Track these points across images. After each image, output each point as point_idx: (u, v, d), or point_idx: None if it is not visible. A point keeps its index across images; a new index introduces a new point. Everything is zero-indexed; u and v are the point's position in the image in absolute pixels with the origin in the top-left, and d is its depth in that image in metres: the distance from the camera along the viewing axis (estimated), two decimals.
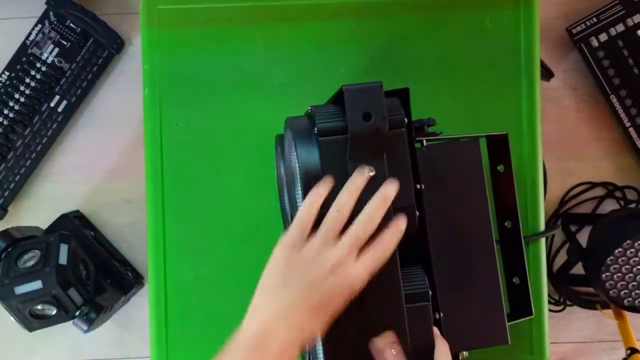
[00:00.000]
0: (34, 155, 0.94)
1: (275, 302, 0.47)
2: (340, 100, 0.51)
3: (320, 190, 0.49)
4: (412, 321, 0.51)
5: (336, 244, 0.47)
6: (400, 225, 0.49)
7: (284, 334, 0.46)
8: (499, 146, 0.62)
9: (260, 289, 0.49)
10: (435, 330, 0.53)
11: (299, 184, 0.53)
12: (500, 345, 0.57)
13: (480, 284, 0.57)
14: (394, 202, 0.50)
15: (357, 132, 0.49)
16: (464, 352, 0.56)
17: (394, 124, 0.51)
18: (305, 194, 0.50)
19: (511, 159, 0.62)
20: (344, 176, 0.50)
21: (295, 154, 0.53)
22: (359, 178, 0.49)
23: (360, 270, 0.47)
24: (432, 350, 0.52)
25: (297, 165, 0.53)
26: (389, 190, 0.49)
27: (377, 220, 0.48)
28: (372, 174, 0.49)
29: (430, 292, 0.53)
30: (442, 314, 0.53)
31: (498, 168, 0.62)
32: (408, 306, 0.51)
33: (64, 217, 0.93)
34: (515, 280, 0.63)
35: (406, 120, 0.52)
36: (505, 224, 0.63)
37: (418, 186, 0.53)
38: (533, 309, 0.62)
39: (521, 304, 0.62)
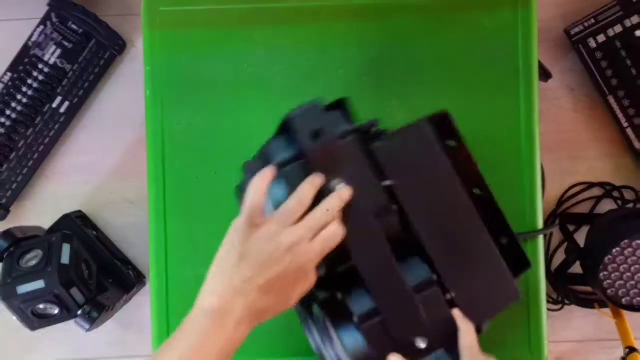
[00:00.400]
0: (36, 155, 0.95)
1: (231, 279, 0.49)
2: (287, 129, 0.52)
3: (267, 173, 0.52)
4: (428, 309, 0.52)
5: (292, 228, 0.50)
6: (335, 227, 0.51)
7: (239, 309, 0.48)
8: (444, 125, 0.62)
9: (215, 269, 0.50)
10: (457, 311, 0.53)
11: None
12: (513, 301, 0.56)
13: (476, 252, 0.57)
14: (370, 207, 0.52)
15: (312, 153, 0.50)
16: (484, 326, 0.56)
17: (343, 134, 0.53)
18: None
19: (459, 133, 0.61)
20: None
21: None
22: (317, 178, 0.52)
23: (313, 251, 0.49)
24: (456, 333, 0.52)
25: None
26: (345, 192, 0.52)
27: (333, 213, 0.51)
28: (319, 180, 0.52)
29: (434, 276, 0.53)
30: (453, 294, 0.54)
31: (448, 144, 0.62)
32: (418, 296, 0.52)
33: (66, 217, 0.93)
34: (503, 240, 0.62)
35: (353, 127, 0.53)
36: (474, 191, 0.63)
37: (388, 182, 0.53)
38: (530, 260, 0.61)
39: (517, 260, 0.61)
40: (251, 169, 0.55)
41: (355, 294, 0.52)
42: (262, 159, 0.56)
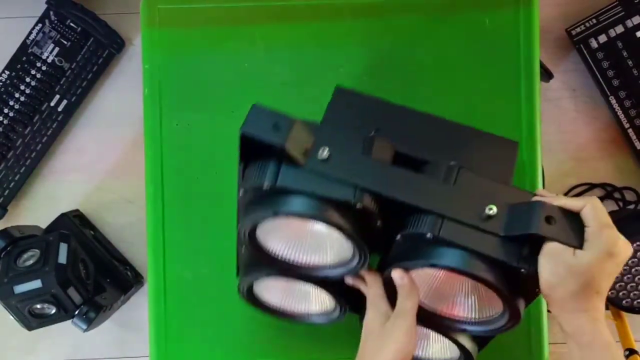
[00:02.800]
0: (34, 154, 0.94)
1: None
2: (246, 153, 0.54)
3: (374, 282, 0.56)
4: (467, 186, 0.54)
5: None
6: None
7: None
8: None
9: None
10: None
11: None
12: (517, 150, 0.62)
13: (461, 137, 0.63)
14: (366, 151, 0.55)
15: (287, 140, 0.52)
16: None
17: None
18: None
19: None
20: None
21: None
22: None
23: None
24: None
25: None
26: None
27: None
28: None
29: (453, 161, 0.55)
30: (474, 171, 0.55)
31: None
32: (456, 184, 0.54)
33: (63, 217, 0.93)
34: None
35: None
36: None
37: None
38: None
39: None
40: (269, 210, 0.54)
41: (412, 222, 0.53)
42: (259, 199, 0.55)
